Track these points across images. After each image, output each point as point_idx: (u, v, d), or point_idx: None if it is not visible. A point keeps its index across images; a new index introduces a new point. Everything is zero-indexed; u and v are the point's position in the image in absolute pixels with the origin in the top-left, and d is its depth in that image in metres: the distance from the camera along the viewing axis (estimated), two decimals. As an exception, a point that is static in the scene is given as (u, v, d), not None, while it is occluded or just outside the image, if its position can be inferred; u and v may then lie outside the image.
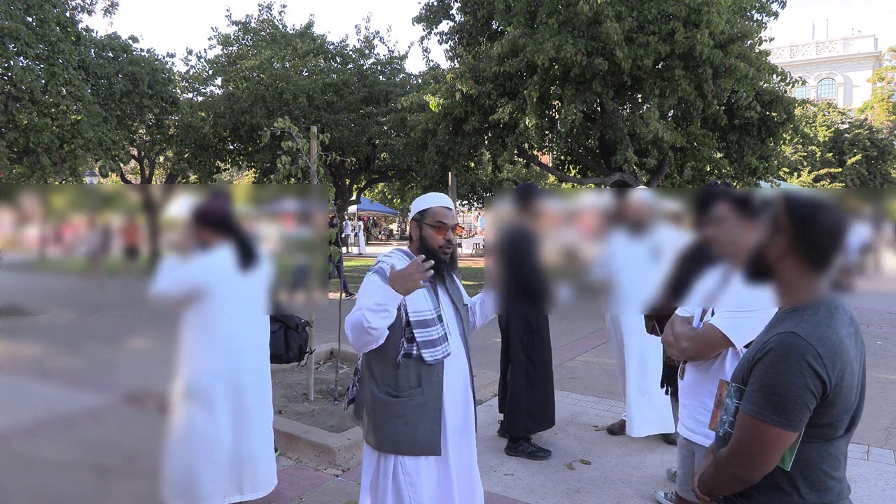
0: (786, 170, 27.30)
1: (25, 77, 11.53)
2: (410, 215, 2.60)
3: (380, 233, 41.35)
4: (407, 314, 2.40)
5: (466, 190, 24.40)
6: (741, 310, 2.14)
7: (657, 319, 3.23)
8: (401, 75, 19.20)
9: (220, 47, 18.80)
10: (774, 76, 11.47)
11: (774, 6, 12.73)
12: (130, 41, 15.45)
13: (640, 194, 4.13)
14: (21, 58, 11.95)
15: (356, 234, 28.84)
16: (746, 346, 2.08)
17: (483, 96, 11.39)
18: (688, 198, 3.86)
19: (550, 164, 14.97)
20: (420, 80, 17.61)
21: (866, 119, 33.70)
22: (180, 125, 17.48)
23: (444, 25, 14.32)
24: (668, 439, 4.43)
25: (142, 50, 15.90)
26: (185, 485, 3.05)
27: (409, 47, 48.24)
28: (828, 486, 1.51)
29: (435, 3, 14.17)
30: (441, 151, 12.63)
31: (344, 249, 14.36)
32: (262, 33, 18.83)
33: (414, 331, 2.40)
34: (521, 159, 13.85)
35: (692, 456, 2.34)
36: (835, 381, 1.42)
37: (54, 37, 12.19)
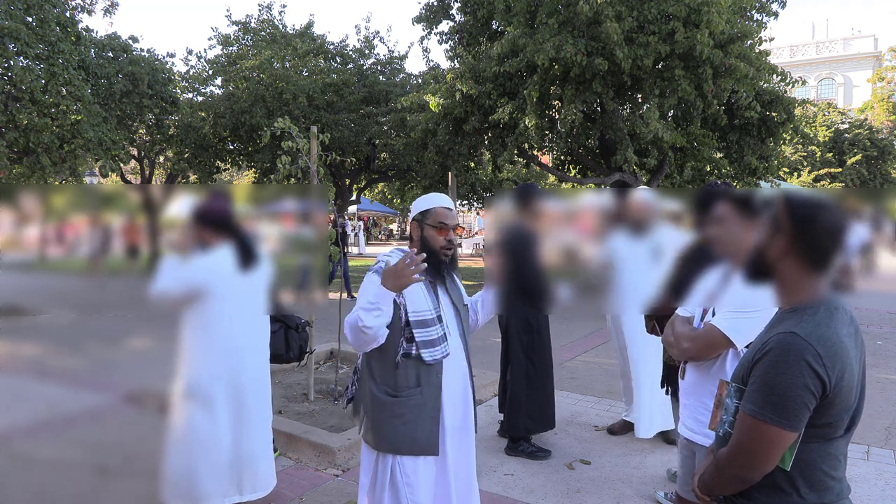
0: (786, 170, 27.31)
1: (25, 77, 11.53)
2: (411, 216, 2.60)
3: (380, 233, 41.35)
4: (406, 314, 2.40)
5: (466, 190, 24.40)
6: (742, 310, 2.14)
7: (657, 319, 3.24)
8: (401, 75, 19.20)
9: (220, 47, 18.80)
10: (774, 76, 11.47)
11: (774, 6, 12.73)
12: (130, 41, 15.45)
13: (641, 194, 4.13)
14: (21, 58, 11.95)
15: (356, 234, 28.87)
16: (747, 347, 2.08)
17: (483, 96, 11.39)
18: (688, 198, 3.85)
19: (550, 164, 14.97)
20: (420, 80, 17.61)
21: (866, 119, 33.71)
22: (180, 125, 17.48)
23: (444, 25, 14.34)
24: (668, 439, 4.43)
25: (142, 50, 15.90)
26: (185, 485, 3.05)
27: (409, 47, 48.25)
28: (828, 486, 1.51)
29: (435, 3, 14.17)
30: (441, 151, 12.63)
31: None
32: (262, 33, 18.83)
33: (413, 331, 2.40)
34: (521, 159, 13.85)
35: (693, 456, 2.34)
36: (834, 381, 1.42)
37: (54, 37, 12.19)
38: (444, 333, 2.47)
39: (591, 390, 5.93)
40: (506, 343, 4.44)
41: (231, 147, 18.94)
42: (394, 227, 43.85)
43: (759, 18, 12.65)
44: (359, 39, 19.76)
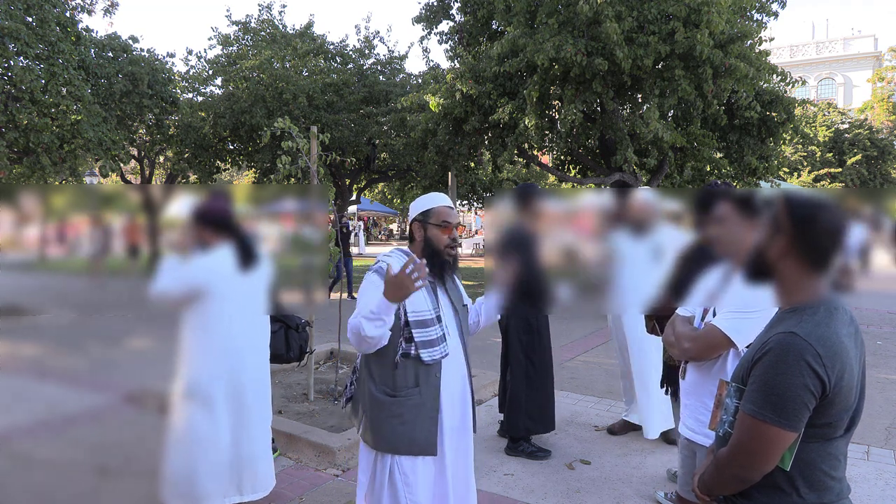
0: (786, 170, 27.30)
1: (25, 77, 11.53)
2: (411, 216, 2.60)
3: (380, 233, 41.36)
4: (406, 314, 2.41)
5: (466, 190, 24.41)
6: (743, 311, 2.14)
7: (657, 319, 3.24)
8: (401, 75, 19.19)
9: (220, 47, 18.80)
10: (774, 76, 11.46)
11: (774, 6, 12.73)
12: (130, 41, 15.45)
13: (643, 194, 4.13)
14: (21, 58, 11.95)
15: (356, 234, 28.88)
16: (748, 347, 2.08)
17: (483, 96, 11.39)
18: (688, 198, 3.85)
19: (550, 164, 14.97)
20: (420, 80, 17.61)
21: (866, 119, 33.69)
22: (180, 125, 17.48)
23: (444, 25, 14.34)
24: (668, 439, 4.43)
25: (142, 50, 15.90)
26: (185, 485, 3.05)
27: (409, 47, 48.21)
28: (827, 486, 1.51)
29: (435, 3, 14.17)
30: (441, 151, 12.63)
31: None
32: (262, 33, 18.82)
33: (412, 331, 2.40)
34: (521, 159, 13.85)
35: (693, 456, 2.34)
36: (834, 381, 1.42)
37: (54, 37, 12.19)
38: (444, 334, 2.47)
39: (591, 390, 5.93)
40: (506, 343, 4.44)
41: (231, 147, 18.94)
42: (394, 227, 43.84)
43: (759, 18, 12.64)
44: (359, 39, 19.77)
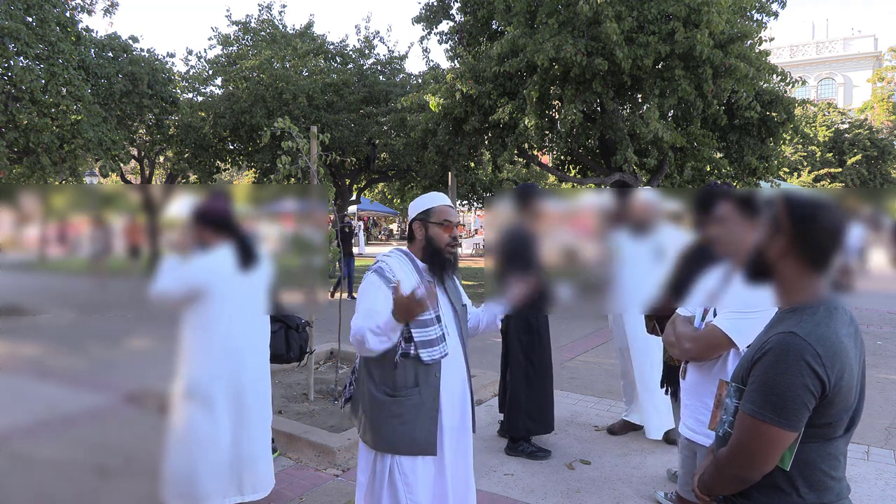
0: (786, 170, 27.29)
1: (25, 77, 11.52)
2: (411, 216, 2.59)
3: (380, 233, 41.36)
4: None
5: (466, 190, 24.40)
6: (744, 311, 2.14)
7: (657, 319, 3.24)
8: (401, 75, 19.19)
9: (220, 47, 18.79)
10: (774, 76, 11.46)
11: (774, 6, 12.72)
12: (130, 41, 15.44)
13: (644, 194, 4.14)
14: (21, 58, 11.94)
15: (356, 234, 28.89)
16: (748, 347, 2.08)
17: (483, 96, 11.39)
18: (688, 198, 3.85)
19: (550, 164, 14.97)
20: (420, 80, 17.61)
21: (866, 119, 33.69)
22: (180, 125, 17.48)
23: (444, 25, 14.34)
24: (668, 439, 4.43)
25: (142, 50, 15.89)
26: (185, 485, 3.05)
27: (409, 47, 48.21)
28: (827, 486, 1.51)
29: (435, 3, 14.17)
30: (441, 151, 12.63)
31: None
32: (262, 33, 18.82)
33: (412, 330, 2.40)
34: (521, 159, 13.85)
35: (694, 456, 2.34)
36: (834, 381, 1.42)
37: (54, 37, 12.18)
38: (443, 334, 2.47)
39: (591, 390, 5.93)
40: (505, 343, 4.44)
41: (231, 147, 18.93)
42: (394, 227, 43.84)
43: (759, 18, 12.64)
44: (359, 39, 19.77)
